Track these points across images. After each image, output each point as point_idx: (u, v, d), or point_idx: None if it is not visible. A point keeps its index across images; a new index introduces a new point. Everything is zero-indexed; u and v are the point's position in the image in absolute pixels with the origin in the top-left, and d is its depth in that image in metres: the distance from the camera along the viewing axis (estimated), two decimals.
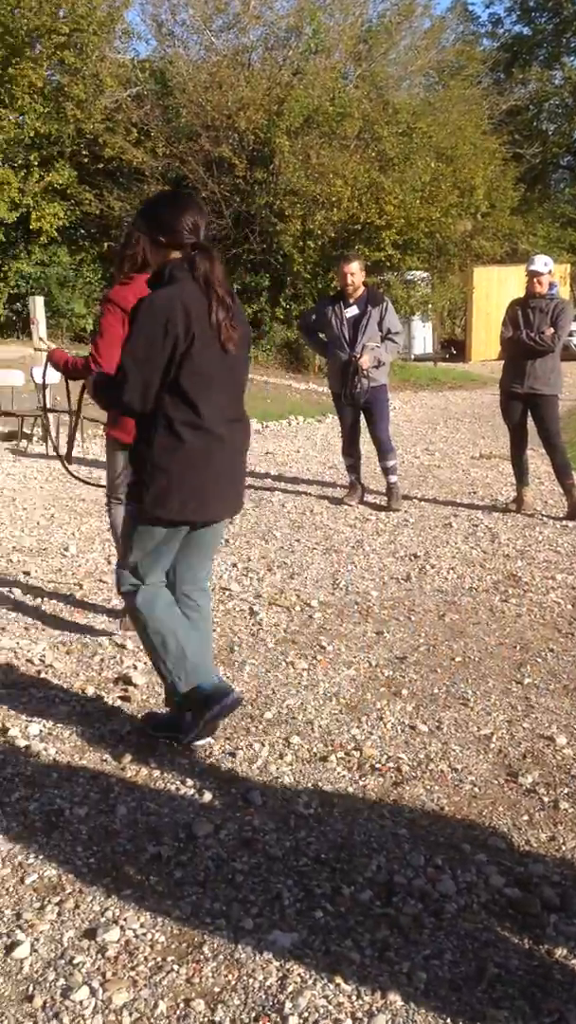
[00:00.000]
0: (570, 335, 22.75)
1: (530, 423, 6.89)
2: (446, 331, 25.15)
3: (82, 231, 18.81)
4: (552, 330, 6.54)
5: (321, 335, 7.15)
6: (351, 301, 6.91)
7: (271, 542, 6.13)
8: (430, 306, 20.32)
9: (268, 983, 2.12)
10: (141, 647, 4.12)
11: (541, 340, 6.54)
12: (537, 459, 7.54)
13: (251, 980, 2.13)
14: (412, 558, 5.78)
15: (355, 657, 4.17)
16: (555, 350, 6.64)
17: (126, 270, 4.13)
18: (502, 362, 7.06)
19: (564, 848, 2.68)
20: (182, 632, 3.16)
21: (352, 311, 6.90)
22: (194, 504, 3.02)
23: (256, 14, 18.67)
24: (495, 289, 20.04)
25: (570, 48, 33.60)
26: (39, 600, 4.86)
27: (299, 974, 2.14)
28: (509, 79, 29.73)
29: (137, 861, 2.60)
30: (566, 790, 3.02)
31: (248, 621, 4.62)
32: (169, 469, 2.95)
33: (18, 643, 4.23)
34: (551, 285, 6.69)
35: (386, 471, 7.21)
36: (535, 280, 6.61)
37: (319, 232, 16.80)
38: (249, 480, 8.03)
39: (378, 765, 3.16)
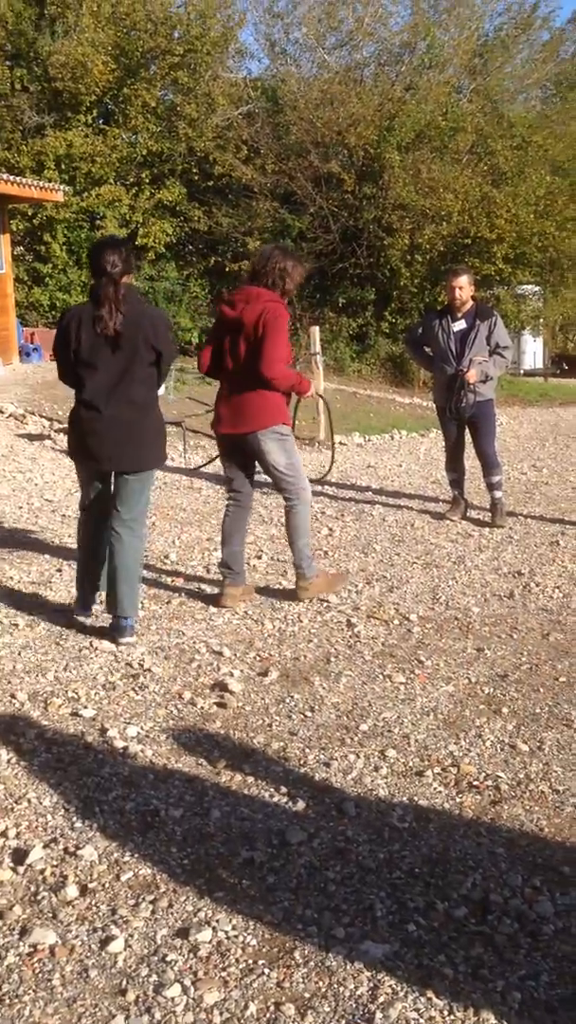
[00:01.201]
0: None
1: None
2: (557, 346, 24.67)
3: (190, 247, 19.18)
4: None
5: (427, 349, 7.10)
6: (459, 315, 6.85)
7: (370, 555, 6.11)
8: (541, 320, 19.97)
9: (359, 992, 2.10)
10: (237, 655, 4.19)
11: None
12: None
13: (342, 988, 2.11)
14: (516, 575, 5.67)
15: (454, 673, 4.11)
16: None
17: None
18: None
19: None
20: (88, 548, 4.58)
21: (460, 325, 6.84)
22: (75, 451, 4.48)
23: (370, 31, 18.76)
24: None
25: None
26: (139, 606, 4.95)
27: (390, 985, 2.11)
28: None
29: (230, 864, 2.61)
30: None
31: (345, 633, 4.61)
32: (70, 424, 4.47)
33: (118, 647, 4.32)
34: None
35: (491, 487, 7.10)
36: None
37: (428, 246, 16.73)
38: (350, 493, 8.09)
39: (476, 782, 3.10)
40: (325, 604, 5.03)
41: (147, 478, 4.45)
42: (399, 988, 2.10)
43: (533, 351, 22.35)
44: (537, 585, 5.45)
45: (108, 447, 4.30)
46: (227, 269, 17.33)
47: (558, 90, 22.90)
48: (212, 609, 4.89)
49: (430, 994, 2.08)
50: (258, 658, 4.24)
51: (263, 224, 17.39)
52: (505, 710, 3.71)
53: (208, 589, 5.21)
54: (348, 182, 16.88)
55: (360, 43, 18.99)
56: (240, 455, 4.93)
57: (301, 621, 4.76)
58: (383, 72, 18.73)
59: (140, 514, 4.48)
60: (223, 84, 17.89)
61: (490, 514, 7.11)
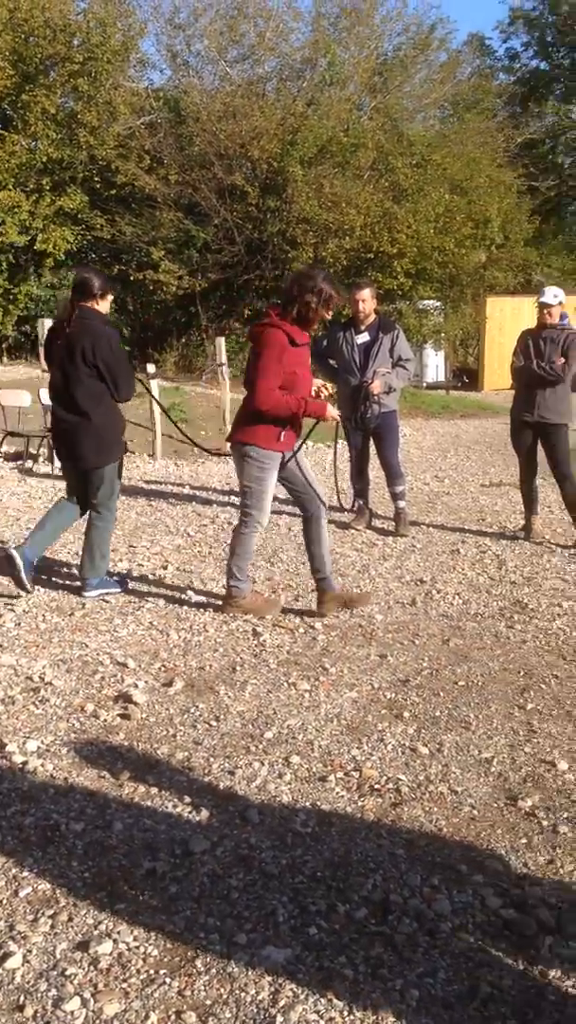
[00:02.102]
0: None
1: (540, 452, 6.91)
2: (459, 360, 25.24)
3: (93, 255, 18.98)
4: (563, 360, 6.59)
5: (331, 361, 7.19)
6: (362, 328, 6.96)
7: (276, 564, 6.14)
8: (443, 335, 20.41)
9: (260, 997, 2.11)
10: (142, 666, 4.16)
11: (551, 370, 6.59)
12: (547, 488, 7.54)
13: (243, 994, 2.12)
14: (418, 583, 5.78)
15: (358, 679, 4.16)
16: (565, 380, 6.67)
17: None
18: (513, 391, 7.10)
19: (562, 871, 2.66)
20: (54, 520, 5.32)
21: (363, 337, 6.95)
22: (57, 451, 5.41)
23: (271, 46, 18.93)
24: (508, 319, 20.12)
25: None
26: (40, 617, 4.87)
27: (291, 989, 2.12)
28: (525, 113, 29.99)
29: (132, 876, 2.59)
30: (566, 814, 3.00)
31: (251, 642, 4.62)
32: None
33: (18, 660, 4.24)
34: (562, 316, 6.75)
35: (395, 496, 7.23)
36: (545, 311, 6.69)
37: (331, 260, 16.93)
38: None
39: (377, 786, 3.15)
40: (231, 614, 5.03)
41: (105, 472, 5.16)
42: (300, 991, 2.12)
43: (436, 364, 22.79)
44: (438, 592, 5.56)
45: (67, 449, 5.20)
46: (132, 278, 17.21)
47: (455, 110, 23.52)
48: (117, 620, 4.84)
49: (330, 996, 2.10)
50: (163, 669, 4.22)
51: (167, 234, 17.34)
52: (406, 714, 3.78)
53: (113, 601, 5.16)
54: (252, 194, 16.97)
55: (262, 57, 19.15)
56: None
57: (207, 631, 4.75)
58: (285, 87, 18.90)
59: (104, 499, 5.24)
60: (125, 93, 17.79)
61: (394, 523, 7.23)
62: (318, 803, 3.02)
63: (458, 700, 3.95)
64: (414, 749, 3.45)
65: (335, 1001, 2.09)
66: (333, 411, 4.92)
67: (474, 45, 31.88)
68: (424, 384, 21.64)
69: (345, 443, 7.28)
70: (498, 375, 21.19)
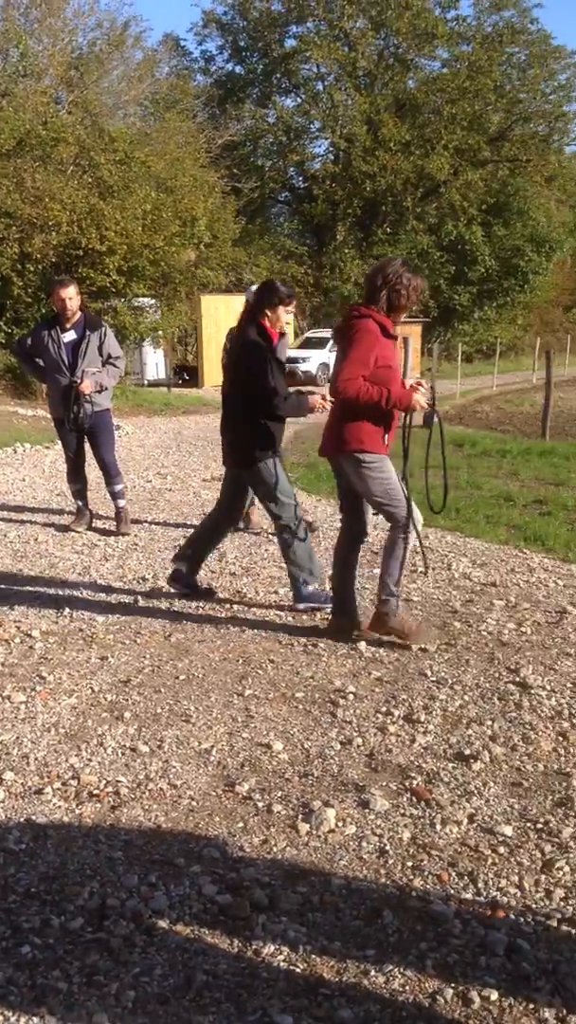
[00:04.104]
0: (294, 362, 23.83)
1: None
2: (178, 357, 25.45)
3: None
4: None
5: (39, 360, 6.97)
6: (68, 326, 6.81)
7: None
8: (160, 333, 20.48)
9: None
10: None
11: None
12: None
13: None
14: (141, 581, 5.76)
15: (77, 685, 4.07)
16: None
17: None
18: None
19: (275, 849, 2.75)
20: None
21: (70, 336, 6.80)
22: None
23: None
24: (223, 317, 20.55)
25: (281, 88, 35.33)
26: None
27: (2, 1013, 2.04)
28: (224, 115, 30.75)
29: None
30: (280, 793, 3.11)
31: None
32: None
33: None
34: None
35: (114, 496, 7.15)
36: None
37: (39, 256, 16.46)
38: None
39: (96, 791, 3.10)
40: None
41: None
42: (11, 1014, 2.04)
43: (155, 362, 22.87)
44: (161, 589, 5.57)
45: None
46: None
47: (156, 109, 23.65)
48: None
49: (43, 1012, 2.04)
50: None
51: None
52: (127, 714, 3.75)
53: None
54: None
55: None
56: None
57: None
58: None
59: None
60: None
61: (115, 523, 7.16)
62: (33, 817, 2.92)
63: (179, 694, 3.98)
64: (135, 749, 3.43)
65: (47, 1017, 2.03)
66: (422, 400, 4.44)
67: (169, 45, 32.24)
68: (145, 382, 21.64)
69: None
70: (217, 371, 21.53)
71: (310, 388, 5.36)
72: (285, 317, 4.97)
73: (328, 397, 4.71)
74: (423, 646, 4.56)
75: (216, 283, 22.57)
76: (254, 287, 7.25)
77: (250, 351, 4.81)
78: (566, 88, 36.92)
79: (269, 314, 4.90)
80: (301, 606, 5.16)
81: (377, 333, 4.27)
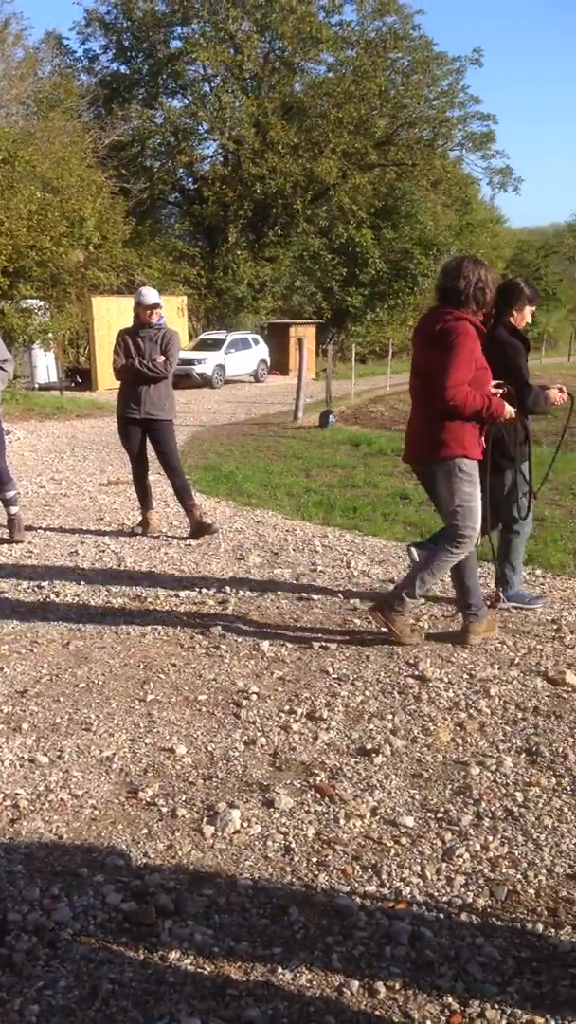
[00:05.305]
0: (189, 364, 23.72)
1: (151, 448, 7.06)
2: (70, 360, 25.01)
3: None
4: (163, 357, 6.76)
5: None
6: None
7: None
8: (50, 335, 20.10)
9: None
10: None
11: (154, 367, 6.73)
12: (162, 483, 7.72)
13: None
14: (36, 589, 5.64)
15: None
16: (168, 377, 6.86)
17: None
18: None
19: (180, 853, 2.74)
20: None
21: None
22: None
23: None
24: (115, 318, 20.30)
25: (167, 89, 35.11)
26: None
27: None
28: (110, 115, 30.37)
29: None
30: (184, 797, 3.09)
31: None
32: None
33: None
34: (159, 316, 6.91)
35: (5, 503, 6.98)
36: (147, 312, 6.81)
37: None
38: None
39: None
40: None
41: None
42: None
43: (46, 365, 22.40)
44: (57, 595, 5.47)
45: None
46: None
47: (39, 108, 23.19)
48: None
49: None
50: None
51: None
52: (25, 726, 3.67)
53: None
54: None
55: None
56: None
57: None
58: None
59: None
60: None
61: (7, 530, 6.99)
62: None
63: (79, 703, 3.91)
64: (33, 760, 3.36)
65: None
66: (510, 410, 4.36)
67: (52, 44, 31.63)
68: (37, 386, 21.19)
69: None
70: (111, 374, 21.37)
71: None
72: (528, 316, 4.92)
73: (564, 389, 4.80)
74: (324, 644, 4.61)
75: (107, 284, 22.28)
76: (145, 288, 7.22)
77: (510, 352, 4.69)
78: (448, 94, 37.79)
79: (516, 314, 4.83)
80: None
81: (476, 336, 4.22)
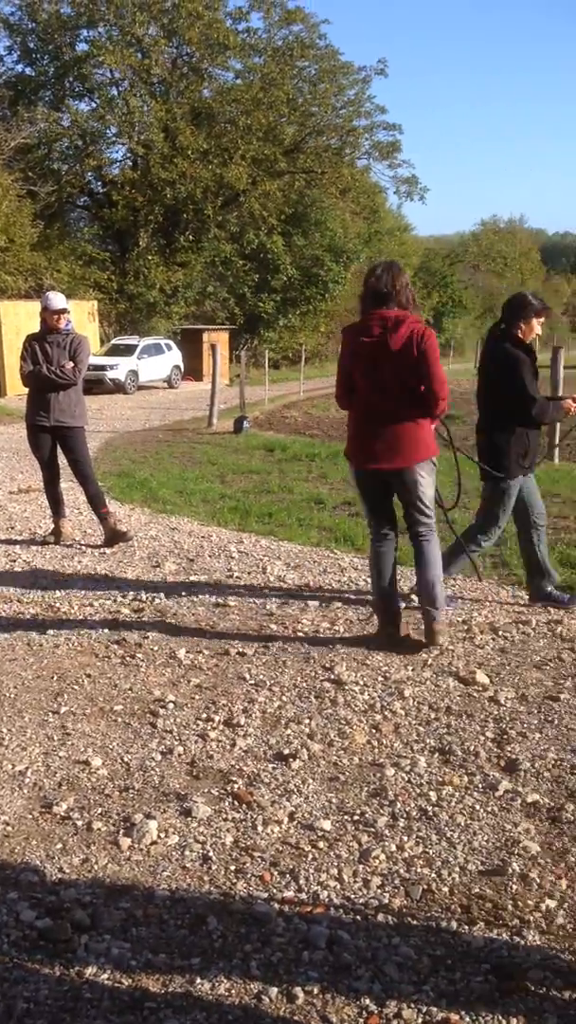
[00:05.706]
0: (102, 369, 23.43)
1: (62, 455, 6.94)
2: None
3: None
4: (72, 363, 6.66)
5: None
6: None
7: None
8: None
9: None
10: None
11: (62, 373, 6.63)
12: (75, 490, 7.61)
13: None
14: None
15: None
16: (77, 383, 6.76)
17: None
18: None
19: (96, 867, 2.70)
20: None
21: None
22: None
23: None
24: (24, 323, 19.92)
25: (74, 92, 34.64)
26: None
27: None
28: (16, 116, 29.78)
29: None
30: (100, 810, 3.05)
31: None
32: None
33: None
34: (67, 321, 6.81)
35: None
36: (55, 317, 6.70)
37: None
38: None
39: None
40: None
41: None
42: None
43: None
44: None
45: None
46: None
47: None
48: None
49: None
50: None
51: None
52: None
53: None
54: None
55: None
56: (384, 490, 4.67)
57: None
58: None
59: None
60: None
61: None
62: None
63: None
64: None
65: None
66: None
67: None
68: None
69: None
70: (20, 380, 20.97)
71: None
72: (537, 328, 5.08)
73: None
74: (241, 651, 4.61)
75: (15, 288, 21.86)
76: (51, 292, 7.10)
77: (513, 365, 4.90)
78: (355, 103, 38.19)
79: (523, 326, 4.99)
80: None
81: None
